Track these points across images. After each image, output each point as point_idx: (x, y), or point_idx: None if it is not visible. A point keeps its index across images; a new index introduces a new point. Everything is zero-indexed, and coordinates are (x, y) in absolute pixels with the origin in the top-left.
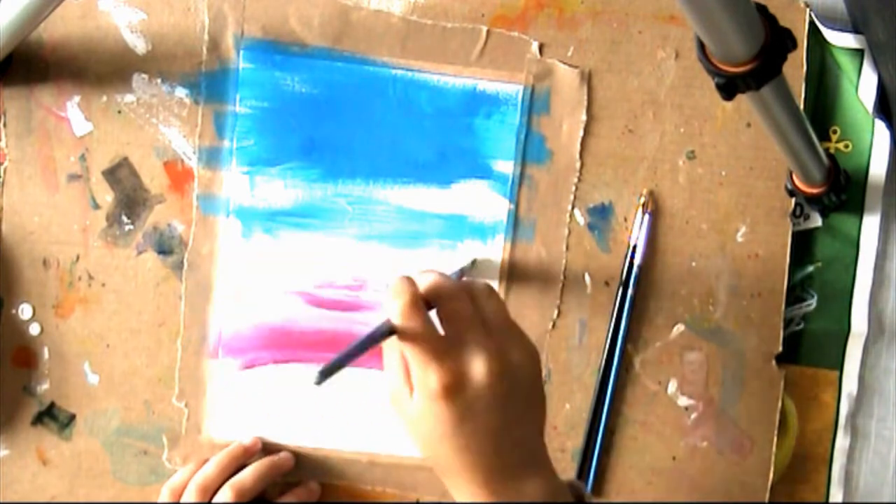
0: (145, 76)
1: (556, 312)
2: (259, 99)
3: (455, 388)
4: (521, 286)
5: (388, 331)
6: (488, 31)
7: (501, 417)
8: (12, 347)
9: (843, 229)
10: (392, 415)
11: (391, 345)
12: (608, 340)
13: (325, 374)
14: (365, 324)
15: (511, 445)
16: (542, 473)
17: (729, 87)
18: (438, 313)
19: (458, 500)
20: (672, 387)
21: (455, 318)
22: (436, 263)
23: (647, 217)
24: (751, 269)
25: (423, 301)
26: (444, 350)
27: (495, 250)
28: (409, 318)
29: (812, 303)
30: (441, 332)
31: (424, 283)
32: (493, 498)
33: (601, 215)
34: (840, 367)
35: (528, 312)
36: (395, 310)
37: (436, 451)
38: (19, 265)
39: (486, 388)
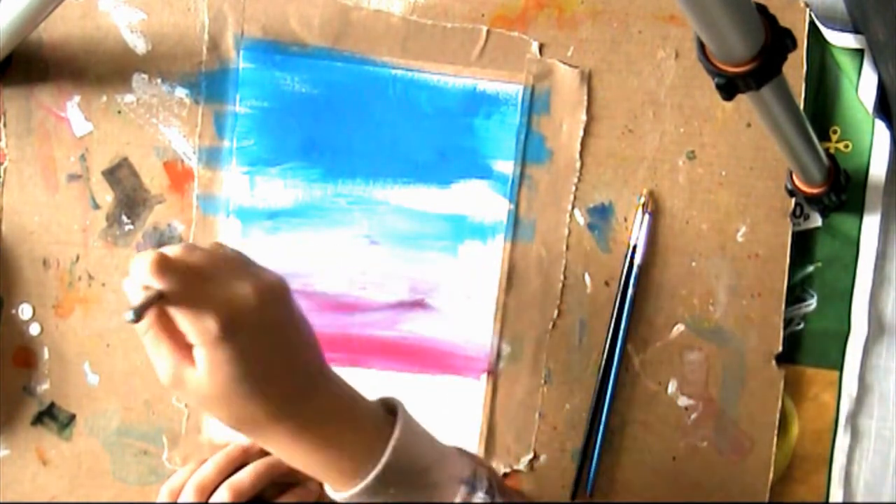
0: (145, 76)
1: (556, 312)
2: (259, 99)
3: (233, 320)
4: (521, 286)
5: (157, 297)
6: (488, 31)
7: (280, 341)
8: (12, 347)
9: (843, 229)
10: (181, 400)
11: (148, 328)
12: (608, 340)
13: (136, 314)
14: (365, 324)
15: (297, 368)
16: (336, 391)
17: (729, 87)
18: (190, 266)
19: (275, 450)
20: (672, 387)
21: (205, 264)
22: (436, 263)
23: (647, 217)
24: (751, 269)
25: (173, 261)
26: (210, 290)
27: (495, 250)
28: (163, 274)
29: (812, 303)
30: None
31: (167, 251)
32: (299, 428)
33: (601, 215)
34: (840, 367)
35: (528, 312)
36: (145, 273)
37: (233, 402)
38: (19, 265)
39: (259, 310)
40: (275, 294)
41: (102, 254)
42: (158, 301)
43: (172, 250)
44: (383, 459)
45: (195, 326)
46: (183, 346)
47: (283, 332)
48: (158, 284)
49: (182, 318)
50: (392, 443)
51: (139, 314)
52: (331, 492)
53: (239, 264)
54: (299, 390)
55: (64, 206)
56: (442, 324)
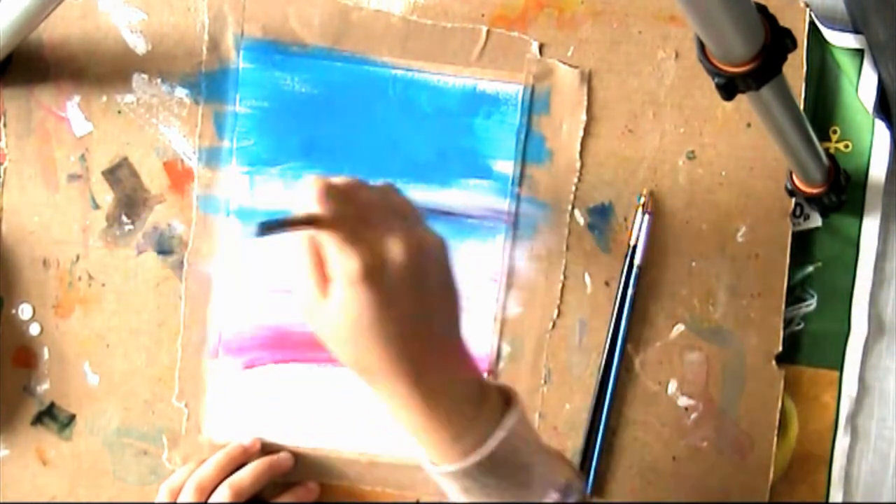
0: (145, 76)
1: (556, 312)
2: (259, 99)
3: (376, 270)
4: (521, 286)
5: (307, 220)
6: (488, 31)
7: (421, 303)
8: (12, 347)
9: (843, 229)
10: (310, 328)
11: (299, 245)
12: (608, 340)
13: (263, 227)
14: None
15: (432, 334)
16: (465, 367)
17: (729, 87)
18: (352, 204)
19: (386, 402)
20: (672, 387)
21: (369, 206)
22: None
23: (647, 217)
24: (751, 269)
25: (338, 193)
26: (362, 234)
27: (495, 250)
28: (324, 203)
29: (812, 303)
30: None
31: (336, 182)
32: (418, 390)
33: (601, 215)
34: (840, 367)
35: (528, 312)
36: (311, 195)
37: (358, 345)
38: (19, 265)
39: (405, 269)
40: (425, 255)
41: (102, 254)
42: (309, 224)
43: (344, 181)
44: (491, 445)
45: (339, 261)
46: (324, 277)
47: (424, 293)
48: (318, 209)
49: (330, 249)
50: (502, 433)
51: (268, 228)
52: (426, 463)
53: (401, 215)
54: (426, 353)
55: (64, 206)
56: None
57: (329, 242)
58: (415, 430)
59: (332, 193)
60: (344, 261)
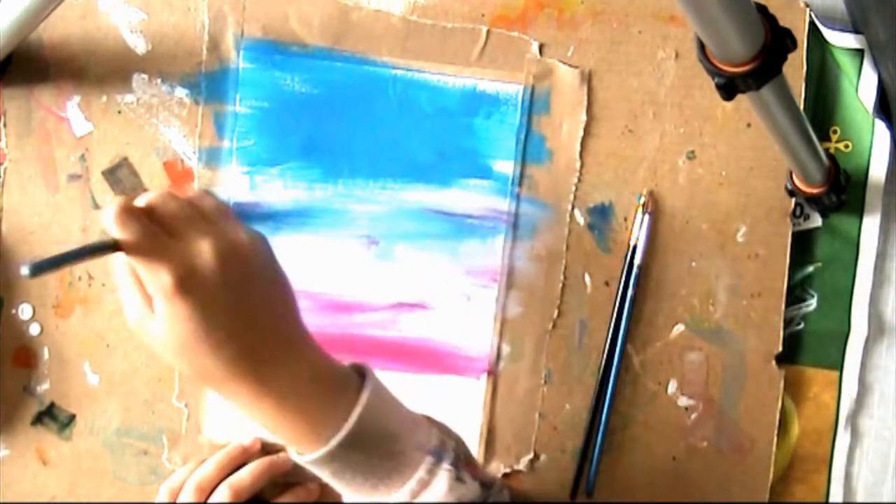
0: (145, 76)
1: (556, 312)
2: (259, 99)
3: (188, 279)
4: (521, 286)
5: (111, 245)
6: (488, 31)
7: (243, 301)
8: (12, 347)
9: (843, 229)
10: (140, 342)
11: (120, 268)
12: (608, 340)
13: (37, 268)
14: (365, 324)
15: (264, 330)
16: (307, 355)
17: (729, 87)
18: (157, 219)
19: (238, 407)
20: (672, 387)
21: (173, 217)
22: (436, 263)
23: (647, 217)
24: (751, 269)
25: (140, 211)
26: (169, 247)
27: (495, 250)
28: (125, 225)
29: (812, 303)
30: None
31: (140, 200)
32: (263, 389)
33: (601, 215)
34: (840, 367)
35: (528, 312)
36: (108, 220)
37: (192, 356)
38: (19, 265)
39: (217, 270)
40: (238, 255)
41: None
42: (110, 250)
43: (146, 198)
44: (348, 425)
45: (151, 279)
46: (147, 295)
47: (245, 292)
48: (117, 234)
49: (140, 269)
50: (358, 409)
51: (42, 268)
52: (294, 454)
53: (212, 219)
54: (262, 350)
55: (64, 206)
56: (442, 324)
57: (139, 263)
58: (272, 427)
59: (130, 213)
60: (155, 277)
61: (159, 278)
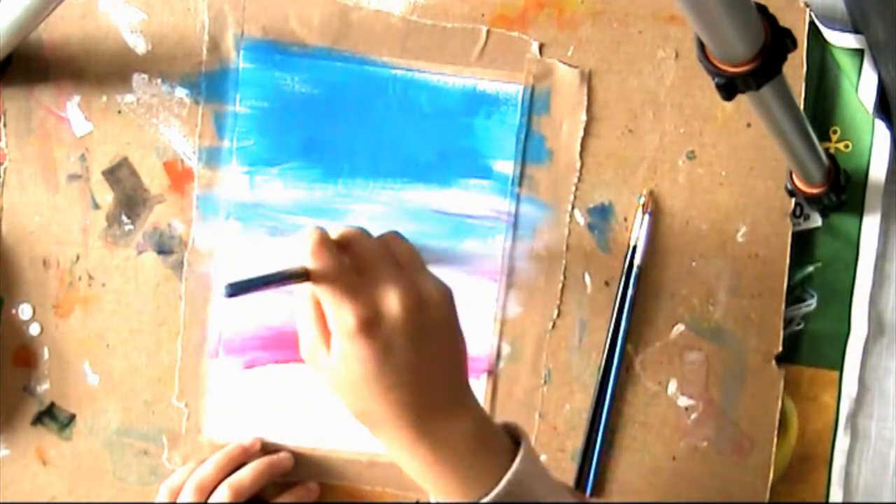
0: (145, 76)
1: (556, 312)
2: (259, 99)
3: (372, 323)
4: (521, 286)
5: (302, 273)
6: (488, 31)
7: (421, 352)
8: (12, 347)
9: (843, 229)
10: (313, 371)
11: (303, 297)
12: (608, 340)
13: (234, 289)
14: None
15: (434, 382)
16: (470, 412)
17: (729, 87)
18: (350, 255)
19: (392, 451)
20: (672, 387)
21: (367, 257)
22: (436, 263)
23: (647, 217)
24: (751, 269)
25: (335, 245)
26: (358, 286)
27: (495, 250)
28: (319, 257)
29: (812, 303)
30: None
31: (334, 232)
32: (423, 439)
33: (601, 215)
34: (840, 367)
35: (528, 312)
36: (306, 250)
37: (361, 396)
38: (19, 265)
39: (402, 320)
40: (424, 305)
41: (102, 254)
42: (301, 279)
43: (343, 232)
44: (498, 489)
45: (335, 315)
46: (326, 330)
47: (424, 342)
48: (311, 263)
49: (325, 303)
50: (509, 475)
51: (239, 289)
52: (433, 499)
53: (401, 265)
54: (430, 402)
55: (64, 206)
56: None
57: (325, 296)
58: (422, 478)
59: (327, 246)
60: (339, 315)
61: (343, 316)
